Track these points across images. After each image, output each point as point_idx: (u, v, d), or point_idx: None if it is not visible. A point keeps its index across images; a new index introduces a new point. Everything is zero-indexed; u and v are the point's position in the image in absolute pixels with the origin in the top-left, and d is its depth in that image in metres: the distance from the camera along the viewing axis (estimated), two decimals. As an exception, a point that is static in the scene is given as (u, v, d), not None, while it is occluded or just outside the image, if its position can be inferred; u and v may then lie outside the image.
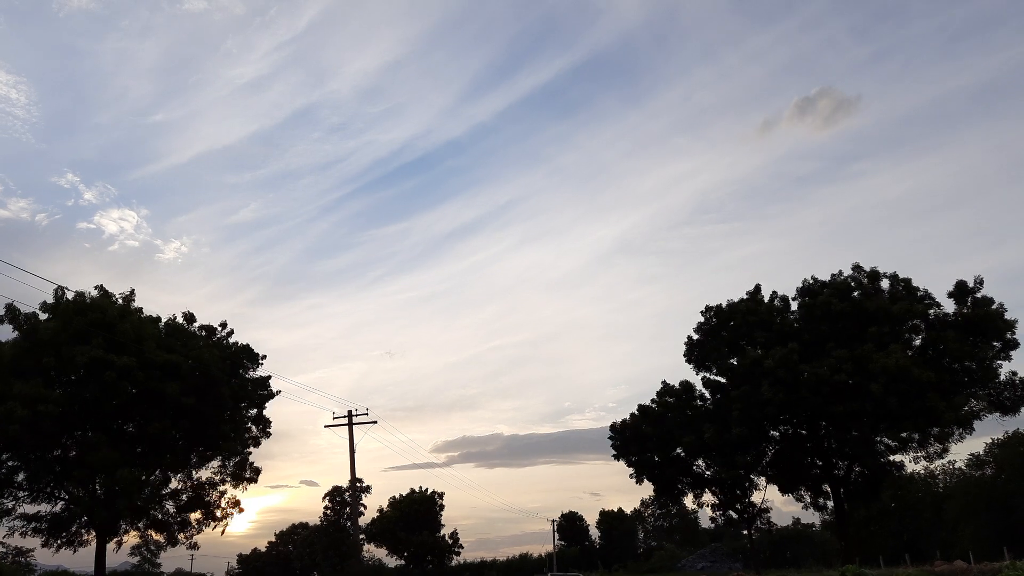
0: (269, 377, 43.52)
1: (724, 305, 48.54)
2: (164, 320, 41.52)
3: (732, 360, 46.55)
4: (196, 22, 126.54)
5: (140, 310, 38.96)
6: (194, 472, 41.64)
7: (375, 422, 44.51)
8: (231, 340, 43.85)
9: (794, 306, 47.27)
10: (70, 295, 35.75)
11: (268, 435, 43.18)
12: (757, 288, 48.24)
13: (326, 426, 46.03)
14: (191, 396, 37.35)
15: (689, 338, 49.36)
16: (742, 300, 48.07)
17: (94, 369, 33.89)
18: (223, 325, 44.17)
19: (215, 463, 41.97)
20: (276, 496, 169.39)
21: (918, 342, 44.22)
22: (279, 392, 43.64)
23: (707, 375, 48.31)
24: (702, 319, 49.13)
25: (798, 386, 43.27)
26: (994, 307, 42.81)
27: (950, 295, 44.15)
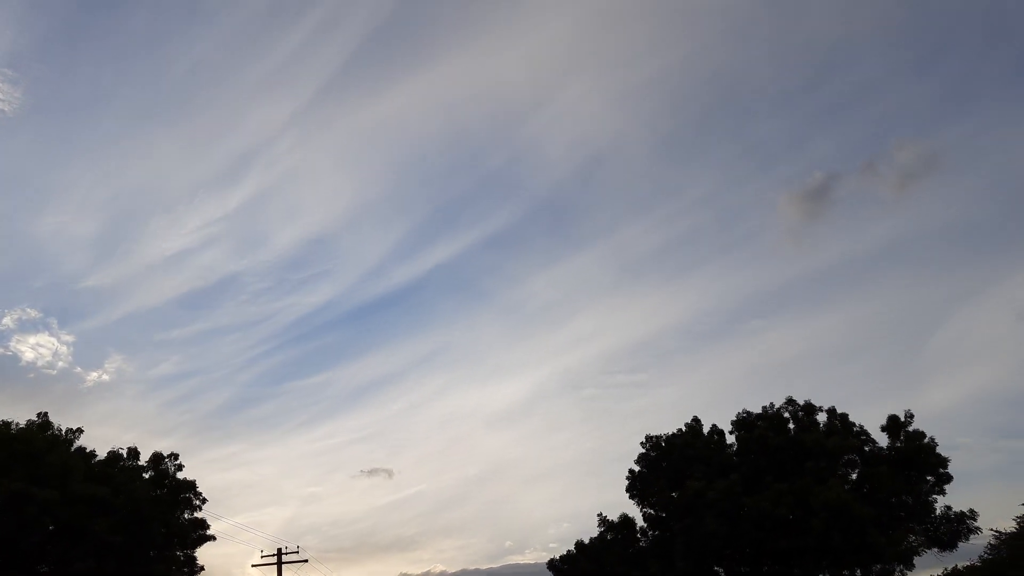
0: (205, 522, 42.77)
1: (663, 437, 48.94)
2: (105, 453, 41.45)
3: (673, 494, 46.43)
4: (132, 200, 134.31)
5: (70, 442, 38.98)
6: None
7: (306, 560, 43.53)
8: (178, 475, 43.38)
9: (731, 439, 47.77)
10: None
11: (197, 578, 42.01)
12: (696, 420, 48.87)
13: (253, 565, 44.85)
14: (119, 534, 36.73)
15: (631, 471, 49.40)
16: (681, 432, 48.54)
17: (13, 503, 33.53)
18: (174, 456, 43.86)
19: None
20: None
21: (854, 476, 44.49)
22: (214, 538, 42.79)
23: (650, 510, 47.99)
24: (643, 450, 49.37)
25: (741, 520, 43.06)
26: (925, 441, 43.51)
27: (883, 429, 44.93)
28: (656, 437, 49.18)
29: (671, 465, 47.97)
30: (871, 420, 47.53)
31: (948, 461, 43.16)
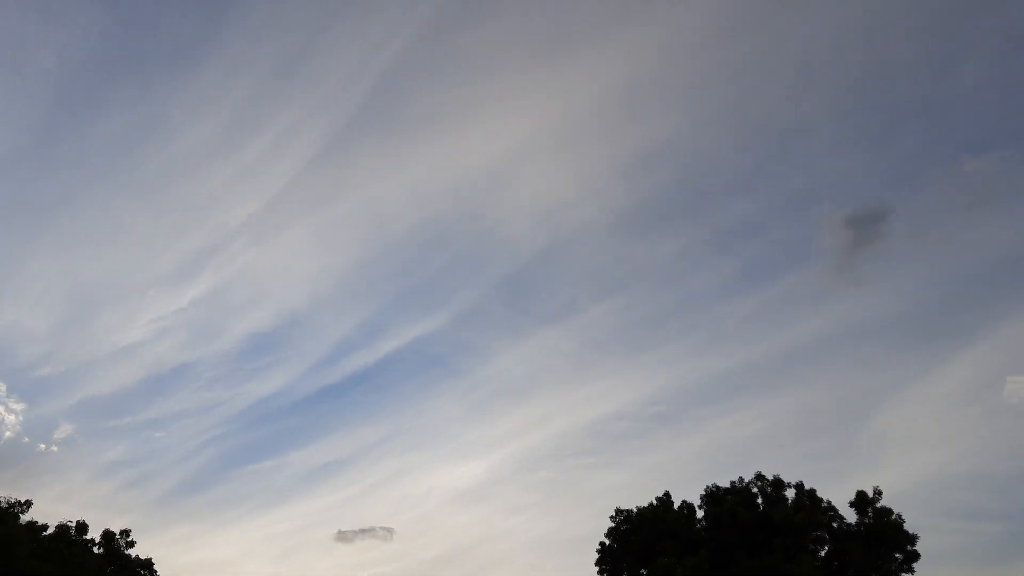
0: None
1: (634, 511, 48.39)
2: (53, 527, 39.87)
3: (643, 571, 45.73)
4: (88, 295, 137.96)
5: (17, 515, 37.37)
6: None
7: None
8: (131, 552, 41.95)
9: (700, 513, 47.34)
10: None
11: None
12: (666, 495, 48.50)
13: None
14: (64, 611, 35.10)
15: (601, 544, 48.65)
16: (651, 506, 48.11)
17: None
18: (125, 533, 42.44)
19: None
20: None
21: (824, 553, 44.23)
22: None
23: (619, 587, 47.14)
24: (612, 524, 48.70)
25: (710, 598, 42.40)
26: (893, 517, 43.58)
27: (851, 504, 44.95)
28: (627, 511, 48.63)
29: (641, 539, 47.37)
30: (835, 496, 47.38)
31: (916, 538, 43.28)
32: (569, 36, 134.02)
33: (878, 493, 44.74)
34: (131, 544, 41.67)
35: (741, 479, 46.82)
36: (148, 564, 41.40)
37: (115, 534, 42.08)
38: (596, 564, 48.27)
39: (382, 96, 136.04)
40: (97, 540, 41.06)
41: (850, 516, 45.02)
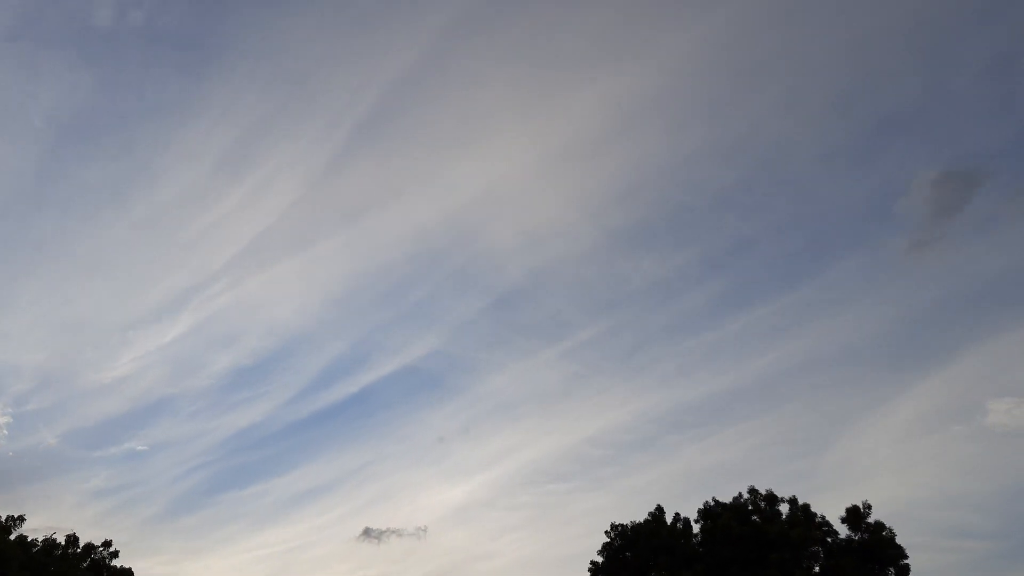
0: None
1: (629, 526, 48.31)
2: (42, 539, 39.33)
3: (638, 586, 45.64)
4: (74, 332, 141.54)
5: (9, 529, 36.89)
6: None
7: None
8: (115, 563, 41.58)
9: (696, 528, 47.40)
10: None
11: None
12: (660, 509, 48.52)
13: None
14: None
15: (594, 563, 48.46)
16: (646, 521, 48.08)
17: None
18: (107, 544, 42.00)
19: None
20: None
21: (818, 569, 44.40)
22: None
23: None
24: (607, 539, 48.56)
25: (705, 614, 42.40)
26: (885, 533, 43.91)
27: (843, 520, 45.25)
28: (621, 526, 48.52)
29: (636, 554, 47.27)
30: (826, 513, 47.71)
31: (907, 555, 43.54)
32: (560, 63, 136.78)
33: (868, 508, 45.07)
34: (114, 555, 41.48)
35: (740, 494, 47.03)
36: (129, 573, 41.10)
37: (95, 546, 41.80)
38: (591, 580, 48.02)
39: (372, 125, 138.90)
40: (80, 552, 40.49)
41: (843, 531, 45.24)
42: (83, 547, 41.55)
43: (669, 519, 48.53)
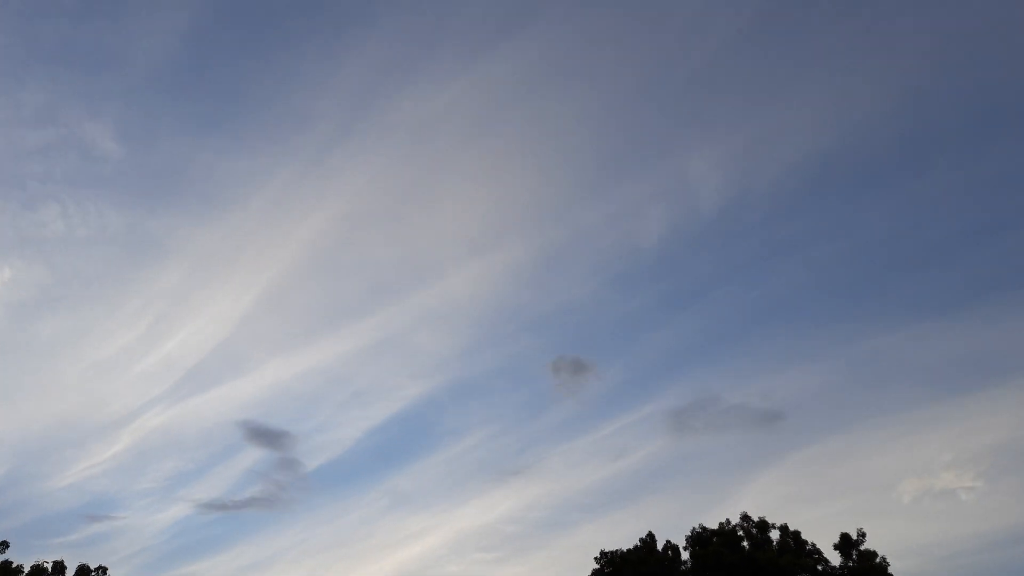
0: None
1: (618, 553, 47.94)
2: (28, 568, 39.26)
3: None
4: (32, 447, 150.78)
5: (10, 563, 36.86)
6: None
7: None
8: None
9: (686, 555, 47.04)
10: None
11: None
12: (650, 536, 48.17)
13: None
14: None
15: (583, 589, 48.06)
16: (636, 548, 47.70)
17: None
18: (102, 569, 41.80)
19: None
20: None
21: (809, 597, 44.05)
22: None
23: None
24: (597, 566, 48.17)
25: (695, 643, 42.01)
26: (877, 560, 43.57)
27: (836, 547, 44.92)
28: (611, 553, 48.13)
29: (625, 582, 46.89)
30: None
31: (898, 583, 43.15)
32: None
33: (862, 535, 44.76)
34: (104, 583, 41.03)
35: (729, 520, 46.67)
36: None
37: (91, 569, 41.42)
38: (580, 608, 47.61)
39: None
40: (72, 579, 40.27)
41: (835, 559, 44.93)
42: (77, 568, 41.28)
43: (660, 546, 48.22)
